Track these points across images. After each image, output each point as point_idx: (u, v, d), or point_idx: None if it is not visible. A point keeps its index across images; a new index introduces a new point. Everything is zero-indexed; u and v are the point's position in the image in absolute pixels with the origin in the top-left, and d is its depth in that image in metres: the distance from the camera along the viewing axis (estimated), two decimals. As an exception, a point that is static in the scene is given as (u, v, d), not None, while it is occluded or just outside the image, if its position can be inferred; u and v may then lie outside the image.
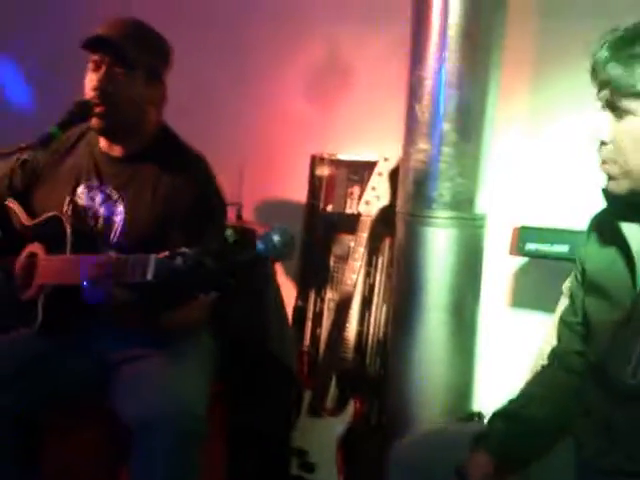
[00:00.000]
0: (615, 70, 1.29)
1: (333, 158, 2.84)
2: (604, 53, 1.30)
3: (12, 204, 2.06)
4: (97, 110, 1.94)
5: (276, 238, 1.33)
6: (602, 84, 1.33)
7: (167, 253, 1.57)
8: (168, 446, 1.70)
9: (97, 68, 1.94)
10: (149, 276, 1.58)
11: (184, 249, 1.54)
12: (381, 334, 2.64)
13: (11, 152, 1.93)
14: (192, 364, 1.92)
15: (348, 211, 2.77)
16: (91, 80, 1.95)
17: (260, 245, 1.34)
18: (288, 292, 2.78)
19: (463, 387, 2.30)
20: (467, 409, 2.31)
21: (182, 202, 1.95)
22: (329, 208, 2.83)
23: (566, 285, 2.00)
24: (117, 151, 2.04)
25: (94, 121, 1.97)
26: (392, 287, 2.43)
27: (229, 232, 1.38)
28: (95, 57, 1.94)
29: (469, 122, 2.26)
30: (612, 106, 1.33)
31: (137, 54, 1.94)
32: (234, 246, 1.38)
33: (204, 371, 1.95)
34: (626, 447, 1.35)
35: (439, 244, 2.26)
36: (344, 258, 2.67)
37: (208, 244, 1.44)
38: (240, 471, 2.20)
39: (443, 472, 1.54)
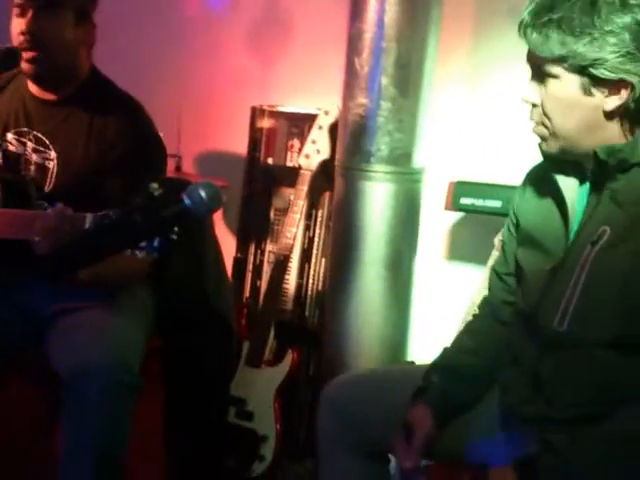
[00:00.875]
0: (534, 36, 1.30)
1: (273, 110, 2.81)
2: (525, 18, 1.32)
3: None
4: (28, 55, 1.87)
5: (202, 192, 1.31)
6: (527, 49, 1.35)
7: (100, 213, 1.56)
8: (100, 395, 1.68)
9: (23, 12, 1.86)
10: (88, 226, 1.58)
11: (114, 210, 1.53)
12: (320, 287, 2.66)
13: None
14: (127, 318, 1.90)
15: (289, 164, 2.76)
16: (18, 25, 1.87)
17: (186, 200, 1.32)
18: (228, 244, 2.78)
19: (398, 338, 2.35)
20: (401, 359, 2.36)
21: (119, 148, 1.90)
22: (269, 160, 2.81)
23: (498, 238, 2.04)
24: (48, 95, 1.97)
25: (25, 67, 1.90)
26: (331, 241, 2.45)
27: (154, 185, 1.36)
28: (20, 1, 1.86)
29: (408, 77, 2.25)
30: (537, 70, 1.36)
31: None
32: (160, 200, 1.36)
33: (140, 325, 1.93)
34: (548, 394, 1.41)
35: (377, 198, 2.27)
36: (284, 211, 2.67)
37: (137, 198, 1.42)
38: (178, 422, 2.22)
39: (372, 411, 1.61)
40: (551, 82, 1.34)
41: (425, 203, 2.38)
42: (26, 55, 1.87)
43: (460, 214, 2.49)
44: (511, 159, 2.38)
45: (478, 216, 2.35)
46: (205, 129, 3.08)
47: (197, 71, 3.05)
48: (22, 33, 1.86)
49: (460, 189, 2.27)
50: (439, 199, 2.39)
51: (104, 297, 1.90)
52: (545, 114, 1.36)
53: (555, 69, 1.32)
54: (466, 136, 2.55)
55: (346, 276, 2.32)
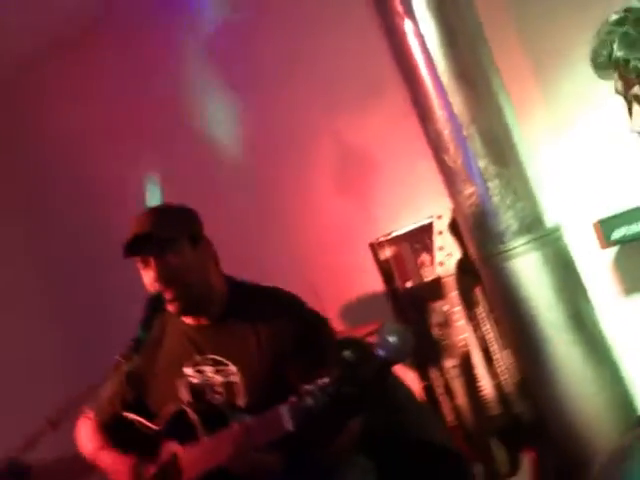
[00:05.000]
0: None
1: (390, 238, 2.85)
2: (618, 53, 1.29)
3: (131, 415, 2.06)
4: (169, 297, 1.94)
5: (392, 339, 1.30)
6: (629, 81, 1.32)
7: (293, 399, 1.58)
8: None
9: (146, 264, 1.96)
10: (290, 427, 1.58)
11: (306, 387, 1.54)
12: (514, 378, 2.56)
13: (115, 371, 1.95)
14: None
15: (427, 279, 2.76)
16: (147, 276, 1.96)
17: (380, 352, 1.32)
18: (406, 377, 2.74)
19: (620, 395, 2.20)
20: (633, 414, 2.20)
21: (287, 339, 1.92)
22: (408, 284, 2.81)
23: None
24: (203, 320, 2.03)
25: (171, 307, 1.97)
26: (507, 330, 2.38)
27: (347, 353, 1.37)
28: (139, 258, 1.97)
29: (500, 149, 2.25)
30: None
31: (173, 232, 1.96)
32: (356, 364, 1.36)
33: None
34: None
35: (530, 271, 2.20)
36: (445, 324, 2.64)
37: (333, 372, 1.43)
38: None
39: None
40: None
41: (580, 253, 2.31)
42: (167, 297, 1.94)
43: (616, 247, 2.39)
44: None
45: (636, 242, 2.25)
46: (334, 281, 3.12)
47: (303, 235, 3.15)
48: (155, 281, 1.94)
49: (606, 226, 2.19)
50: (590, 242, 2.32)
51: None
52: None
53: None
54: (579, 176, 2.50)
55: (539, 358, 2.21)
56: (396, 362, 1.30)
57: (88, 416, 2.12)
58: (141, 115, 3.44)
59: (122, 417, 2.07)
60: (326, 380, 1.49)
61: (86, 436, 2.12)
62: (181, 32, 3.19)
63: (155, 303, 1.96)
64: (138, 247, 1.94)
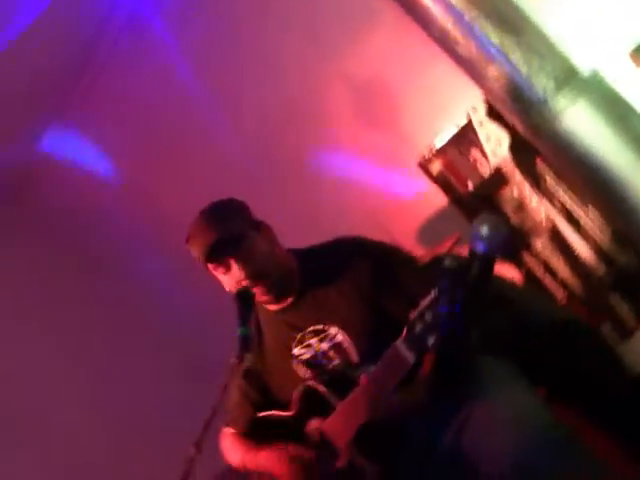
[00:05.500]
0: None
1: (435, 150, 2.82)
2: None
3: (263, 413, 2.05)
4: (259, 291, 1.95)
5: (486, 231, 1.27)
6: None
7: (404, 333, 1.57)
8: None
9: (228, 268, 1.94)
10: (411, 360, 1.58)
11: (412, 313, 1.54)
12: (606, 233, 2.51)
13: (232, 376, 1.95)
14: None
15: (486, 174, 2.72)
16: (231, 277, 1.94)
17: (479, 247, 1.29)
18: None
19: None
20: None
21: (368, 276, 1.93)
22: (470, 187, 2.78)
23: None
24: (289, 299, 2.03)
25: (264, 299, 1.98)
26: (581, 191, 2.32)
27: (447, 260, 1.35)
28: (215, 264, 1.94)
29: (508, 18, 2.18)
30: None
31: (239, 228, 1.94)
32: (459, 268, 1.34)
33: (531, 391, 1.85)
34: None
35: (583, 123, 2.11)
36: (521, 208, 2.60)
37: (436, 284, 1.40)
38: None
39: None
40: None
41: (626, 87, 2.23)
42: (259, 291, 1.94)
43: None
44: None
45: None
46: (396, 216, 3.10)
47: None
48: (244, 279, 1.92)
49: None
50: (633, 73, 2.23)
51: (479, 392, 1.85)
52: None
53: None
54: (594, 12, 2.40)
55: (622, 206, 2.14)
56: (497, 251, 1.28)
57: (226, 431, 2.14)
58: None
59: (257, 419, 2.07)
60: (431, 296, 1.48)
61: (231, 449, 2.13)
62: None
63: (245, 299, 1.94)
64: (214, 254, 1.93)
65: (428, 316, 1.51)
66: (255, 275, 1.92)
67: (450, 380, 1.75)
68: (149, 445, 3.34)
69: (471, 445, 1.74)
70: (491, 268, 1.34)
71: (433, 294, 1.47)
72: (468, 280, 1.31)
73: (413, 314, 1.55)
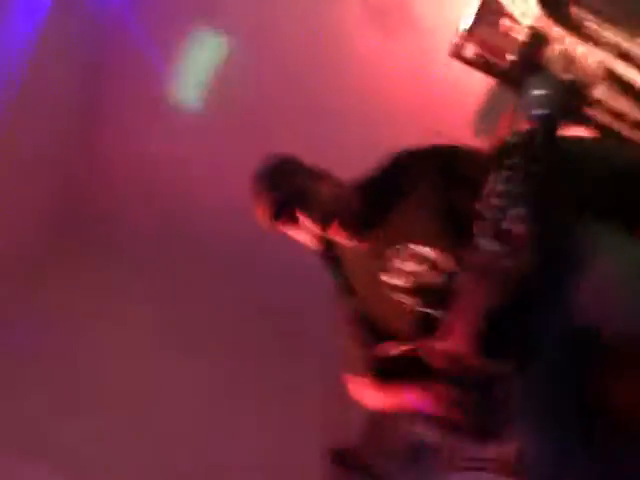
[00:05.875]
0: None
1: (461, 34, 2.69)
2: None
3: (382, 351, 2.01)
4: (332, 233, 1.92)
5: (537, 92, 1.20)
6: None
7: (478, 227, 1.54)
8: None
9: (294, 220, 1.93)
10: (495, 247, 1.55)
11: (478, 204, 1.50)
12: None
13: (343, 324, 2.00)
14: None
15: (521, 37, 2.58)
16: (304, 229, 1.93)
17: (537, 110, 1.21)
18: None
19: None
20: None
21: (432, 187, 1.89)
22: (509, 58, 2.65)
23: None
24: (364, 234, 1.97)
25: (344, 237, 1.94)
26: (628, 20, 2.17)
27: (507, 137, 1.29)
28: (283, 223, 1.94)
29: None
30: None
31: (296, 181, 1.93)
32: (522, 139, 1.27)
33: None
34: None
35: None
36: (568, 61, 2.46)
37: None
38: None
39: None
40: None
41: None
42: (333, 234, 1.92)
43: None
44: None
45: None
46: (444, 116, 3.02)
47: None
48: (314, 230, 1.91)
49: None
50: None
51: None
52: None
53: None
54: None
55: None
56: (556, 107, 1.21)
57: (354, 379, 2.11)
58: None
59: (380, 361, 2.03)
60: (494, 178, 1.42)
61: (365, 393, 2.10)
62: None
63: (328, 250, 1.98)
64: (278, 213, 1.92)
65: (495, 200, 1.46)
66: (323, 218, 1.90)
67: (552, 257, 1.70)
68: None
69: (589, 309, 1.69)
70: (555, 128, 1.27)
71: (497, 175, 1.42)
72: (535, 150, 1.24)
73: (478, 205, 1.53)
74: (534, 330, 1.78)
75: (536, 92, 1.19)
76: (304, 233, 1.95)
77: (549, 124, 1.25)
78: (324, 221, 1.90)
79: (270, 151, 1.99)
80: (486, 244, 1.54)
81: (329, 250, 1.97)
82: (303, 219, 1.90)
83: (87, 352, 3.42)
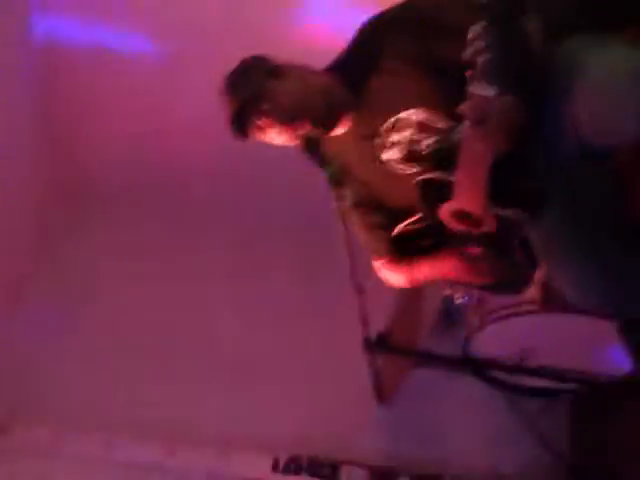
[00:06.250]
0: None
1: None
2: None
3: (398, 229, 1.98)
4: (306, 130, 1.83)
5: None
6: None
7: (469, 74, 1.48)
8: None
9: (265, 125, 1.83)
10: (492, 92, 1.46)
11: (465, 53, 1.45)
12: None
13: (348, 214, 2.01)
14: None
15: None
16: (274, 133, 1.84)
17: None
18: None
19: None
20: None
21: (405, 44, 1.78)
22: None
23: None
24: (348, 117, 1.89)
25: (320, 131, 1.85)
26: None
27: None
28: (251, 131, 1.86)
29: None
30: None
31: (253, 84, 1.82)
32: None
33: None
34: None
35: None
36: None
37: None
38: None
39: None
40: None
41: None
42: (307, 130, 1.83)
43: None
44: None
45: None
46: None
47: None
48: (280, 124, 1.82)
49: None
50: None
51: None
52: None
53: None
54: None
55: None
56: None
57: (377, 264, 2.08)
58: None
59: (396, 238, 2.00)
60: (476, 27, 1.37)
61: (392, 274, 2.07)
62: None
63: (310, 146, 1.89)
64: (242, 124, 1.84)
65: (479, 44, 1.40)
66: (291, 117, 1.81)
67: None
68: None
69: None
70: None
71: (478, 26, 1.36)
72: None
73: (465, 55, 1.44)
74: (544, 162, 1.72)
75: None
76: (276, 135, 1.85)
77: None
78: (291, 121, 1.81)
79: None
80: (480, 88, 1.46)
81: (312, 147, 1.90)
82: (269, 123, 1.83)
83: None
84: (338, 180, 1.97)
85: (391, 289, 2.13)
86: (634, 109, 1.51)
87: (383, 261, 2.05)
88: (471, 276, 1.92)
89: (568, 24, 1.74)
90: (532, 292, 2.00)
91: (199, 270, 3.51)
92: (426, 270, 2.00)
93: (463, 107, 1.52)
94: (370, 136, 1.87)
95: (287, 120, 1.79)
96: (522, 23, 1.55)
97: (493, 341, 2.32)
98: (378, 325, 2.51)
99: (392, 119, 1.82)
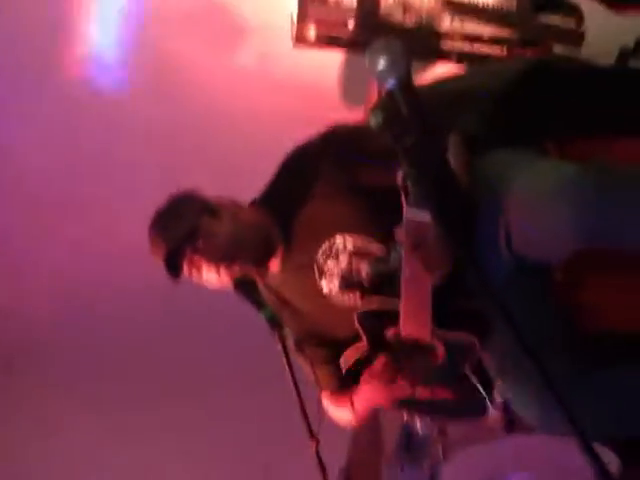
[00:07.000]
0: None
1: (297, 20, 2.61)
2: None
3: (344, 362, 1.91)
4: (241, 269, 1.83)
5: (382, 64, 1.12)
6: None
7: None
8: None
9: (198, 265, 1.81)
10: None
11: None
12: None
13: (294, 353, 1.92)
14: None
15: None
16: (209, 274, 1.81)
17: (389, 82, 1.13)
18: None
19: None
20: None
21: (328, 175, 1.82)
22: (350, 24, 2.56)
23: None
24: (280, 251, 1.88)
25: (253, 272, 1.87)
26: None
27: (371, 121, 1.21)
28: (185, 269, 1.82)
29: None
30: None
31: (187, 223, 1.79)
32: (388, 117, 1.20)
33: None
34: None
35: None
36: (406, 8, 2.39)
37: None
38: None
39: None
40: None
41: None
42: (241, 269, 1.83)
43: None
44: None
45: None
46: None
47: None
48: (214, 262, 1.80)
49: None
50: None
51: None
52: None
53: None
54: None
55: None
56: (406, 69, 1.13)
57: (325, 398, 2.01)
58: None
59: (343, 370, 1.93)
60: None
61: (337, 409, 2.00)
62: None
63: (244, 287, 1.88)
64: (176, 265, 1.79)
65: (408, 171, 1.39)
66: (226, 256, 1.78)
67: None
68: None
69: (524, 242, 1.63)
70: (412, 87, 1.20)
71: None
72: (406, 116, 1.17)
73: (399, 179, 1.46)
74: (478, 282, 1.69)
75: (380, 64, 1.11)
76: (210, 277, 1.82)
77: (406, 88, 1.16)
78: (228, 261, 1.79)
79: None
80: (413, 214, 1.48)
81: (246, 288, 1.85)
82: (204, 264, 1.79)
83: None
84: (276, 321, 1.93)
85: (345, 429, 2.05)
86: (560, 228, 1.50)
87: (328, 396, 1.98)
88: (388, 390, 1.82)
89: (484, 138, 1.77)
90: (494, 415, 1.89)
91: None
92: (359, 400, 1.91)
93: (399, 233, 1.52)
94: (307, 265, 1.83)
95: (222, 259, 1.78)
96: (439, 141, 1.55)
97: (460, 472, 2.19)
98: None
99: (326, 244, 1.80)
